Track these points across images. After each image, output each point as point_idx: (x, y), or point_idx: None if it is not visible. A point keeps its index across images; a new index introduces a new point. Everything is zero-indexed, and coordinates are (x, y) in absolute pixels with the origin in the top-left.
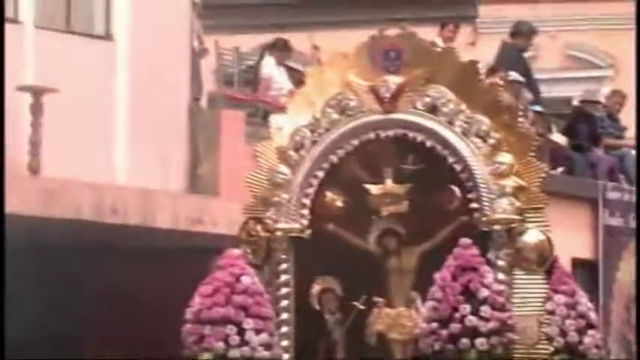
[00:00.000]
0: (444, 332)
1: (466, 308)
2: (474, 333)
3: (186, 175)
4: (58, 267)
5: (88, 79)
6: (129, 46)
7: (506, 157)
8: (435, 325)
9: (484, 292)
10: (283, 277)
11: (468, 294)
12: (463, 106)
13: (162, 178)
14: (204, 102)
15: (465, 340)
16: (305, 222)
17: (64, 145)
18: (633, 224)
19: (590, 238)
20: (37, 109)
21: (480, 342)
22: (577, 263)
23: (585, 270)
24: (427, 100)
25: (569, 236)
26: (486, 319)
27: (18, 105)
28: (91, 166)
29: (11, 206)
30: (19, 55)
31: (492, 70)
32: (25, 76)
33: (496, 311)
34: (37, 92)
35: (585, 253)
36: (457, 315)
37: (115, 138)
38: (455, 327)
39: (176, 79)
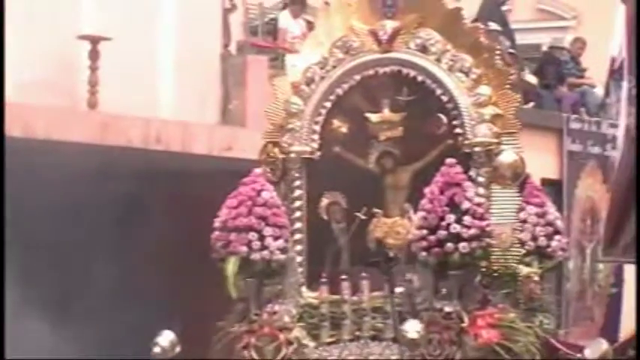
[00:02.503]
0: (432, 238)
1: (451, 217)
2: (457, 238)
3: (219, 109)
4: (111, 187)
5: (137, 29)
6: (172, 2)
7: (485, 90)
8: (424, 231)
9: (466, 204)
10: (297, 192)
11: (453, 205)
12: (449, 46)
13: (199, 112)
14: (233, 49)
15: (449, 245)
16: (315, 145)
17: (117, 85)
18: (590, 150)
19: (556, 161)
20: (94, 55)
21: (463, 246)
22: (545, 182)
23: (552, 188)
24: (418, 41)
25: (539, 160)
26: (468, 227)
27: (78, 51)
28: (139, 102)
29: (73, 136)
30: (78, 8)
31: (475, 21)
32: (83, 27)
33: (476, 220)
34: (94, 40)
35: (552, 174)
36: (443, 223)
37: (160, 79)
38: (441, 233)
39: (210, 30)
